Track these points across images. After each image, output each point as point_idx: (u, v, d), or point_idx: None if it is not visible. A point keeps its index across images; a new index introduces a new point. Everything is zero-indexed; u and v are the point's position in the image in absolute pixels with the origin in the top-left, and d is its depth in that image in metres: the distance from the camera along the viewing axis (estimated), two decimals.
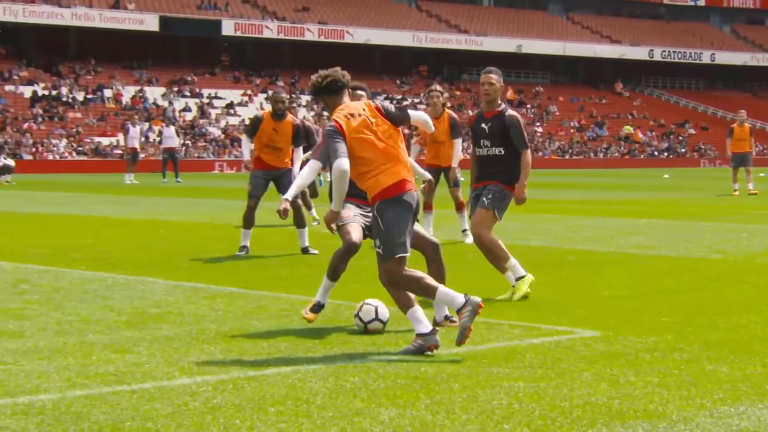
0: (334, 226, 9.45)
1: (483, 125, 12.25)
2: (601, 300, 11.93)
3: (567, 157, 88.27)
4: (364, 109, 9.40)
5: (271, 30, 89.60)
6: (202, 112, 79.60)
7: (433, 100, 18.39)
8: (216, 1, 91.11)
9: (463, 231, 18.20)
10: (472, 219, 12.25)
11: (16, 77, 79.44)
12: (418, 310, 9.03)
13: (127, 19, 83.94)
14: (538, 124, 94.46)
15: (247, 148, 17.58)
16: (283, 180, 16.60)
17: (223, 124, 78.20)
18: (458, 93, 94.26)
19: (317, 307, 10.05)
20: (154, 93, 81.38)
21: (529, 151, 12.25)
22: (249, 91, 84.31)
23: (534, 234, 20.12)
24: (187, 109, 79.99)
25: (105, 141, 72.22)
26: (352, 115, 9.30)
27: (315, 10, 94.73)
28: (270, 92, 78.30)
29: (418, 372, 8.04)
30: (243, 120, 76.27)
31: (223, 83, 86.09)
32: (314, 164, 9.82)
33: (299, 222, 16.58)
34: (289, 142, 17.10)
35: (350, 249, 10.19)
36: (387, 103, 9.62)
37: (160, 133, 54.82)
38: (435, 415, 6.81)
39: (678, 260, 16.09)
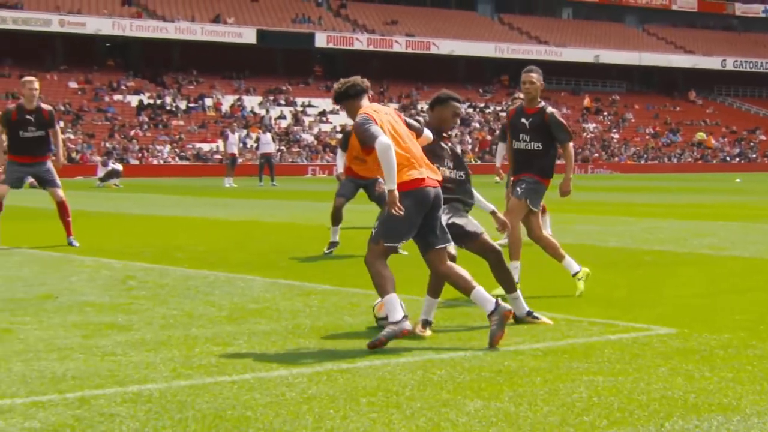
0: (397, 205, 8.87)
1: (523, 120, 12.19)
2: (676, 298, 11.82)
3: (642, 162, 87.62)
4: (387, 112, 9.43)
5: (361, 42, 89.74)
6: (296, 120, 79.92)
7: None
8: (310, 15, 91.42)
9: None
10: (507, 208, 12.15)
11: (123, 87, 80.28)
12: (394, 297, 8.89)
13: (226, 33, 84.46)
14: (614, 130, 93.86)
15: (341, 160, 17.61)
16: (371, 188, 16.60)
17: (315, 130, 78.51)
18: None
19: (425, 323, 9.73)
20: (252, 102, 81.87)
21: (572, 144, 12.18)
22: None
23: (612, 235, 19.97)
24: (282, 116, 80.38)
25: (205, 147, 72.81)
26: (377, 111, 9.30)
27: (403, 23, 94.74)
28: None
29: (501, 366, 8.01)
30: (334, 127, 76.54)
31: (315, 92, 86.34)
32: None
33: None
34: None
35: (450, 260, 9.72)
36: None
37: (257, 140, 55.03)
38: (518, 407, 6.78)
39: (750, 261, 15.92)
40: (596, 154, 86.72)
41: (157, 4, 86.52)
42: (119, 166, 49.62)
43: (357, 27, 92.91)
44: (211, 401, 6.91)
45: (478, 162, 77.11)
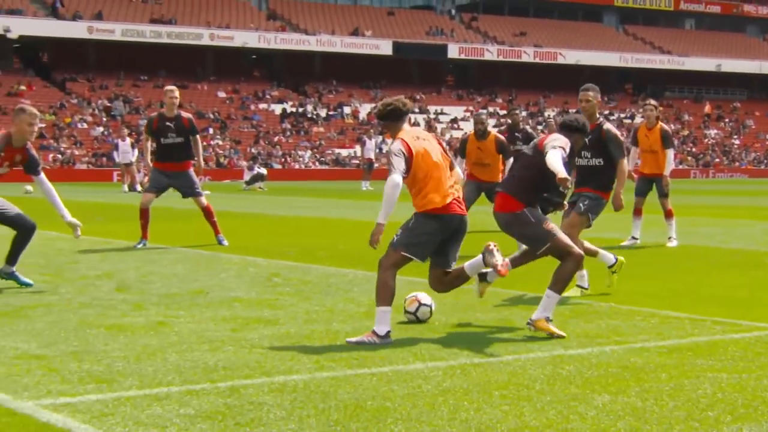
0: (377, 238, 9.31)
1: (587, 139, 12.05)
2: None
3: (762, 167, 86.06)
4: (425, 138, 9.47)
5: (491, 53, 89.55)
6: (429, 127, 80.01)
7: (647, 113, 18.08)
8: (443, 27, 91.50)
9: (669, 237, 17.82)
10: (564, 221, 11.95)
11: (268, 96, 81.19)
12: (388, 311, 8.96)
13: (364, 45, 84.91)
14: (735, 136, 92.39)
15: (459, 167, 17.60)
16: (492, 192, 16.54)
17: (447, 137, 78.48)
18: (661, 108, 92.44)
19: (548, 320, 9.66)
20: None
21: (625, 160, 11.98)
22: (471, 108, 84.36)
23: (733, 237, 19.63)
24: (416, 123, 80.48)
25: (344, 152, 73.37)
26: (418, 137, 9.39)
27: (531, 35, 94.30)
28: (493, 109, 78.52)
29: (627, 362, 7.93)
30: (465, 133, 76.47)
31: (447, 100, 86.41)
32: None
33: None
34: (496, 157, 17.06)
35: (579, 261, 9.49)
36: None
37: None
38: (644, 402, 6.71)
39: None
40: (717, 159, 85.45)
41: (300, 18, 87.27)
42: (264, 170, 50.09)
43: (488, 39, 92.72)
44: (351, 392, 6.95)
45: None
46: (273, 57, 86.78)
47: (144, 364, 7.73)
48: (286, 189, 46.94)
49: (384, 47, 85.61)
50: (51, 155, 63.52)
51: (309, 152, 73.20)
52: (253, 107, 78.92)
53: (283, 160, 70.71)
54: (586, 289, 11.86)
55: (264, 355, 8.15)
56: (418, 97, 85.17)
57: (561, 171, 8.97)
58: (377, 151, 59.41)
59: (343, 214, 27.80)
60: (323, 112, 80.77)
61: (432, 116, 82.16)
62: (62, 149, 64.05)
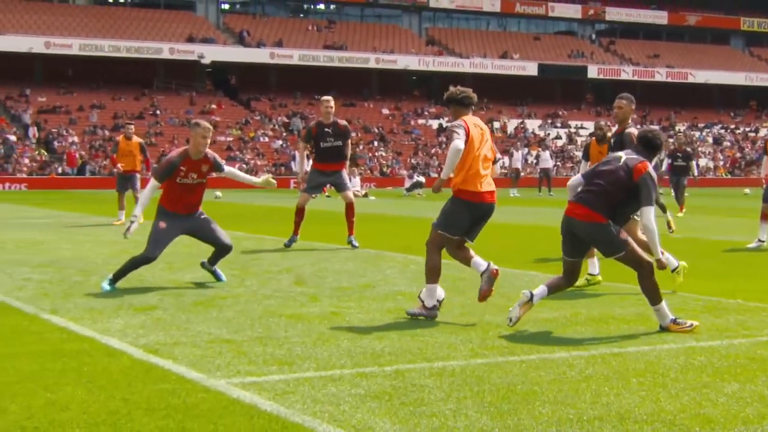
0: (439, 188, 10.06)
1: (613, 140, 12.05)
2: None
3: None
4: (482, 129, 9.82)
5: (627, 73, 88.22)
6: (570, 140, 79.28)
7: None
8: (583, 50, 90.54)
9: (760, 240, 17.31)
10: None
11: (426, 113, 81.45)
12: (434, 287, 9.56)
13: (512, 66, 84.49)
14: None
15: (583, 168, 17.42)
16: None
17: None
18: None
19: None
20: (533, 124, 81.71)
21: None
22: (608, 123, 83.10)
23: None
24: (558, 137, 79.91)
25: None
26: (476, 125, 9.74)
27: (664, 57, 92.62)
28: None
29: (755, 354, 7.73)
30: (587, 138, 75.45)
31: (587, 116, 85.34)
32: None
33: None
34: None
35: (651, 269, 8.85)
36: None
37: (537, 156, 54.88)
38: None
39: None
40: None
41: (455, 43, 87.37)
42: (422, 179, 50.26)
43: (624, 60, 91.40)
44: (503, 377, 6.92)
45: (729, 176, 75.00)
46: (431, 78, 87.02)
47: (319, 349, 7.81)
48: (442, 195, 46.87)
49: (530, 68, 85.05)
50: (236, 165, 64.75)
51: None
52: (412, 122, 79.26)
53: (438, 169, 70.86)
54: (596, 275, 11.88)
55: (425, 342, 8.16)
56: (560, 113, 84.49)
57: (654, 244, 8.90)
58: (523, 161, 59.06)
59: (492, 217, 27.60)
60: None
61: (572, 130, 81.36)
62: (246, 160, 65.14)
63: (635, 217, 10.79)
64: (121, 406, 6.05)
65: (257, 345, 7.96)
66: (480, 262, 9.88)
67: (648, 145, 9.19)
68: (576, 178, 9.46)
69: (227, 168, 12.16)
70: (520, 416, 5.92)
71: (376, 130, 75.15)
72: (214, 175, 12.00)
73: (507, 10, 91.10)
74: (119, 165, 22.97)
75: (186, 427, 5.62)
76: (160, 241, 11.53)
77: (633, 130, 11.70)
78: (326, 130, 17.11)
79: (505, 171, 56.29)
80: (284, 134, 72.73)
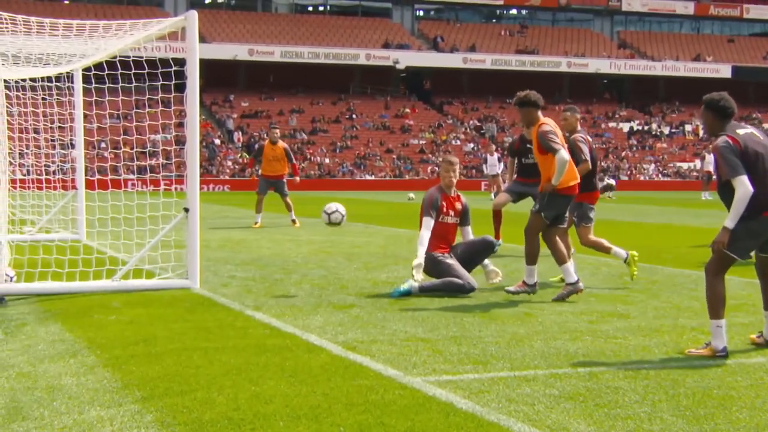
0: (548, 188, 10.70)
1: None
2: None
3: None
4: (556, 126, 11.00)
5: None
6: None
7: None
8: None
9: None
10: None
11: (617, 116, 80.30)
12: (571, 264, 10.67)
13: (705, 69, 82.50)
14: None
15: None
16: None
17: None
18: None
19: None
20: None
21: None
22: None
23: None
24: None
25: (684, 165, 71.64)
26: (556, 126, 10.96)
27: None
28: None
29: None
30: None
31: None
32: None
33: None
34: None
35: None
36: None
37: None
38: None
39: None
40: None
41: (647, 46, 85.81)
42: (613, 181, 49.49)
43: None
44: (698, 381, 6.74)
45: None
46: (622, 81, 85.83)
47: (513, 349, 7.77)
48: (633, 198, 46.14)
49: (723, 71, 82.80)
50: (429, 168, 65.21)
51: (653, 165, 71.93)
52: (603, 125, 78.28)
53: (629, 172, 69.80)
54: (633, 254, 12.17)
55: (618, 344, 8.02)
56: (754, 115, 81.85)
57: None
58: (715, 165, 57.48)
59: (684, 221, 27.05)
60: (666, 130, 79.22)
61: None
62: (438, 162, 65.48)
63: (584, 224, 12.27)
64: (322, 400, 6.15)
65: (452, 344, 7.97)
66: (570, 271, 10.77)
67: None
68: None
69: (468, 229, 11.60)
70: (716, 421, 5.76)
71: (567, 133, 74.58)
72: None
73: (701, 12, 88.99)
74: (257, 168, 22.60)
75: (384, 422, 5.67)
76: (461, 271, 11.08)
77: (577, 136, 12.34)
78: (528, 146, 16.90)
79: (697, 174, 54.92)
80: (476, 137, 72.82)
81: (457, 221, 11.43)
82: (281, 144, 22.88)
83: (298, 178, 24.21)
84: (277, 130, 23.71)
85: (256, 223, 22.44)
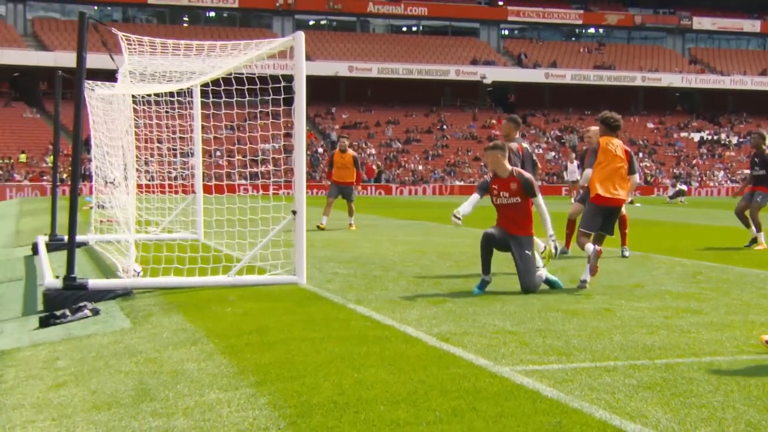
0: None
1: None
2: None
3: None
4: (617, 146, 11.74)
5: None
6: None
7: None
8: None
9: None
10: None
11: (688, 127, 79.16)
12: (591, 245, 11.28)
13: None
14: None
15: None
16: None
17: None
18: None
19: None
20: None
21: None
22: None
23: None
24: None
25: None
26: (613, 143, 11.78)
27: None
28: None
29: None
30: None
31: None
32: None
33: None
34: None
35: None
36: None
37: None
38: None
39: None
40: None
41: (716, 62, 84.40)
42: (684, 187, 48.76)
43: None
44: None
45: None
46: (693, 94, 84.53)
47: (594, 342, 7.69)
48: (703, 203, 45.38)
49: None
50: None
51: (722, 173, 70.65)
52: (675, 135, 77.29)
53: (700, 179, 68.68)
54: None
55: (692, 338, 7.88)
56: None
57: None
58: None
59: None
60: (734, 140, 77.76)
61: None
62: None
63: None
64: (419, 386, 6.15)
65: (538, 336, 7.91)
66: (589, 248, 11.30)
67: None
68: None
69: (539, 200, 11.07)
70: None
71: (641, 143, 73.59)
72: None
73: (767, 30, 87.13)
74: (333, 178, 22.18)
75: (476, 407, 5.64)
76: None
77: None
78: None
79: None
80: (557, 146, 72.27)
81: (518, 200, 10.96)
82: (350, 152, 22.44)
83: (359, 187, 23.47)
84: (346, 140, 23.29)
85: (321, 223, 21.64)
